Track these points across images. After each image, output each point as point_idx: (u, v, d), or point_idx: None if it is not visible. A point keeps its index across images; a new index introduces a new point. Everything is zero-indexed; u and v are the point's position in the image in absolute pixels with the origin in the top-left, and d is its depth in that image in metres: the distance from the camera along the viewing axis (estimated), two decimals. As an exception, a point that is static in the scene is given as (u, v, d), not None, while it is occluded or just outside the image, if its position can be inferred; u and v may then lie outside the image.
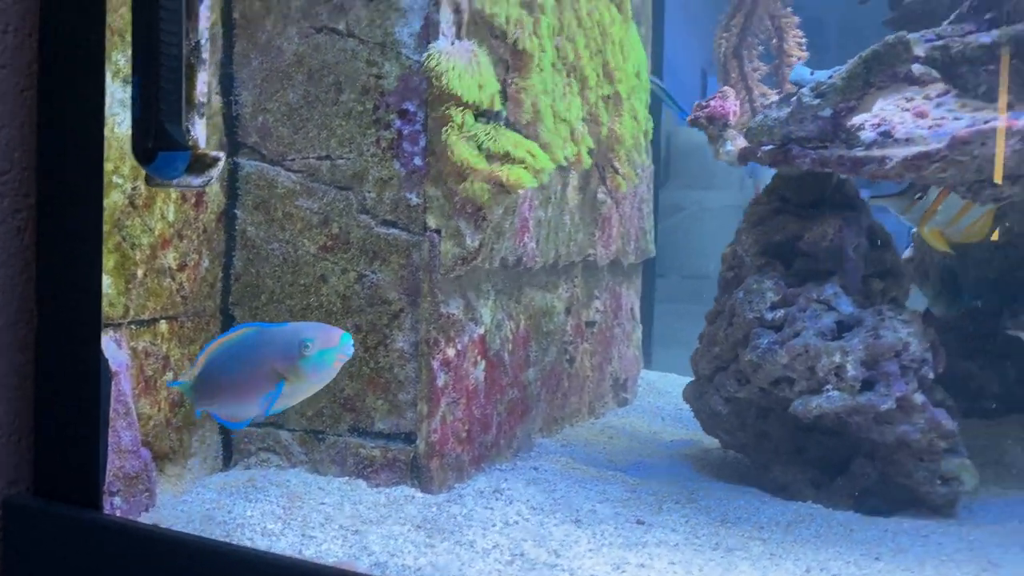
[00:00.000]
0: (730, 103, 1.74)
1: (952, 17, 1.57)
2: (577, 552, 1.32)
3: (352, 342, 1.19)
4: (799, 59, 1.90)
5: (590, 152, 2.09)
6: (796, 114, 1.56)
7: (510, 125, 1.76)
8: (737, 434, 1.82)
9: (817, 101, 1.52)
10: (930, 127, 1.56)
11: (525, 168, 1.57)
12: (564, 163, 1.87)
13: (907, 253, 2.51)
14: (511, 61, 1.74)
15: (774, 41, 1.86)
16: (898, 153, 1.45)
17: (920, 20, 1.79)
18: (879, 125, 1.66)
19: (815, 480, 1.71)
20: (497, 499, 1.50)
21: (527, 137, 1.80)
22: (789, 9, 1.86)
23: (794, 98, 1.57)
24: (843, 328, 1.62)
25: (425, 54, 1.54)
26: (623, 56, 2.19)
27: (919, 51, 1.44)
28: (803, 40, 1.87)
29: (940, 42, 1.51)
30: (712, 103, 1.75)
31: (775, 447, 1.78)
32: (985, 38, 1.47)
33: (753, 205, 1.89)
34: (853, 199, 1.80)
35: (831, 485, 1.69)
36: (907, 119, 1.67)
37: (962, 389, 2.36)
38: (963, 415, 2.35)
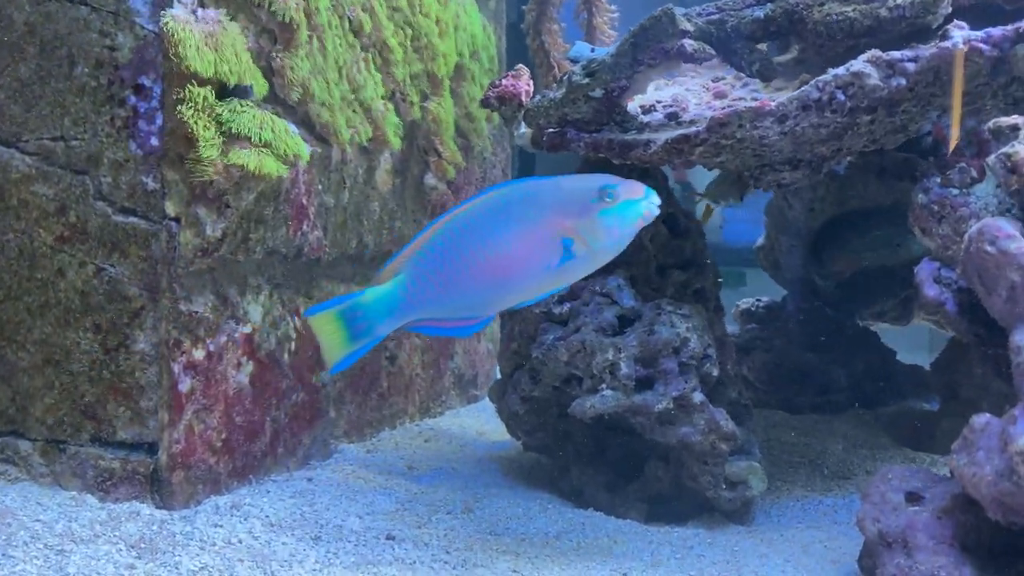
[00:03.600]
0: (522, 83, 1.68)
1: (734, -12, 1.54)
2: (298, 572, 1.26)
3: (657, 198, 0.96)
4: (612, 37, 1.86)
5: (402, 134, 2.03)
6: (569, 95, 1.51)
7: (279, 103, 1.69)
8: (537, 434, 1.78)
9: (587, 80, 1.47)
10: (720, 108, 1.52)
11: (270, 152, 1.50)
12: (348, 145, 1.80)
13: (759, 241, 2.50)
14: (278, 33, 1.66)
15: (584, 16, 1.81)
16: (662, 137, 1.41)
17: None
18: (671, 106, 1.63)
19: (610, 484, 1.68)
20: (233, 515, 1.44)
21: (301, 116, 1.73)
22: (602, -14, 1.81)
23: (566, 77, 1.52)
24: (625, 323, 1.59)
25: (159, 23, 1.46)
26: (440, 31, 2.12)
27: (687, 26, 1.39)
28: (616, 15, 1.82)
29: (717, 16, 1.47)
30: (504, 82, 1.69)
31: (576, 448, 1.75)
32: (759, 12, 1.43)
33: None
34: (656, 185, 1.76)
35: (625, 489, 1.66)
36: (704, 99, 1.64)
37: (810, 382, 2.36)
38: (811, 409, 2.36)
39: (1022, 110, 1.30)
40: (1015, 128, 1.12)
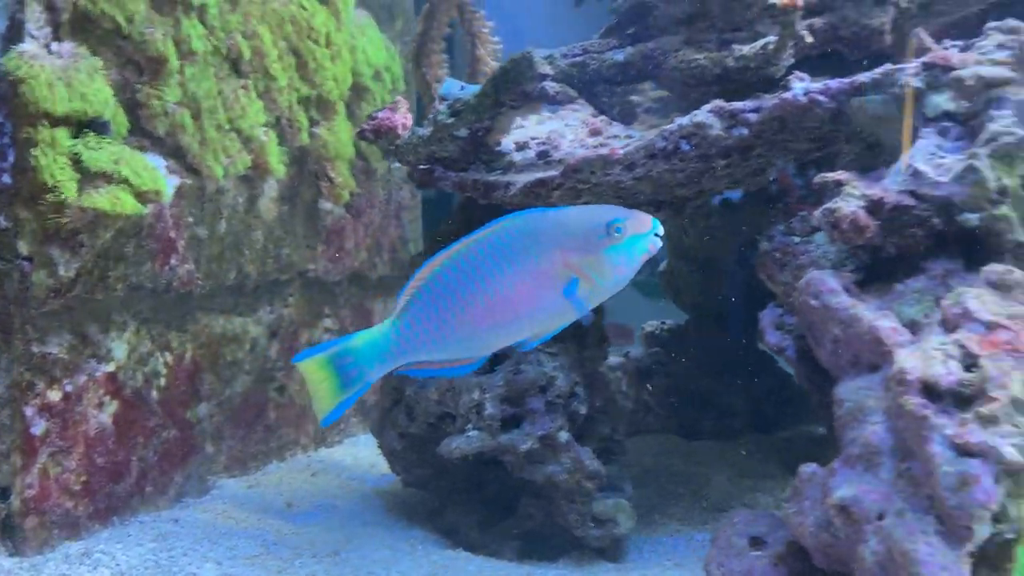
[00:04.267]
0: (399, 116, 1.68)
1: (602, 30, 1.56)
2: (138, 627, 1.25)
3: (662, 229, 0.92)
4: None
5: (288, 160, 2.02)
6: (436, 133, 1.52)
7: (146, 135, 1.67)
8: (415, 471, 1.79)
9: (451, 120, 1.49)
10: (594, 147, 1.55)
11: (128, 188, 1.48)
12: (222, 176, 1.79)
13: (662, 266, 2.53)
14: (144, 64, 1.65)
15: (469, 47, 1.82)
16: (521, 180, 1.43)
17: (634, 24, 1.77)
18: (544, 143, 1.65)
19: (484, 522, 1.70)
20: (82, 563, 1.42)
21: (171, 148, 1.72)
22: (482, 13, 1.82)
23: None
24: (496, 361, 1.60)
25: (4, 59, 1.43)
26: (332, 54, 2.12)
27: (546, 69, 1.42)
28: (500, 47, 1.84)
29: (581, 58, 1.49)
30: (380, 115, 1.69)
31: (453, 485, 1.75)
32: (619, 55, 1.46)
33: (446, 225, 1.86)
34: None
35: (498, 527, 1.68)
36: (579, 136, 1.66)
37: (709, 407, 2.40)
38: (709, 434, 2.41)
39: (877, 153, 1.35)
40: (839, 183, 1.16)
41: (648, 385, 2.47)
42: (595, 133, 1.67)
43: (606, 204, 1.53)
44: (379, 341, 0.92)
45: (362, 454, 2.27)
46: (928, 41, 1.33)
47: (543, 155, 1.59)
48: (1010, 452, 0.94)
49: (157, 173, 1.56)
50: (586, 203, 1.53)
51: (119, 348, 1.66)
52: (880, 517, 1.04)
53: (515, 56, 1.43)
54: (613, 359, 2.63)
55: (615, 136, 1.65)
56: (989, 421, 0.96)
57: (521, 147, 1.65)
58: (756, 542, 1.30)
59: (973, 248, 1.15)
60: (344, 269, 2.38)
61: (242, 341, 2.00)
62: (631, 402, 2.58)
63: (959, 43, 1.30)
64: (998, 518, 1.04)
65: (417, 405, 1.63)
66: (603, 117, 1.68)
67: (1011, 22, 1.27)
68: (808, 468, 1.16)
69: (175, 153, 1.72)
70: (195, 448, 1.86)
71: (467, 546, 1.68)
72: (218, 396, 1.93)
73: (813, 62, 1.39)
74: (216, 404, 1.92)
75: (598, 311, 1.87)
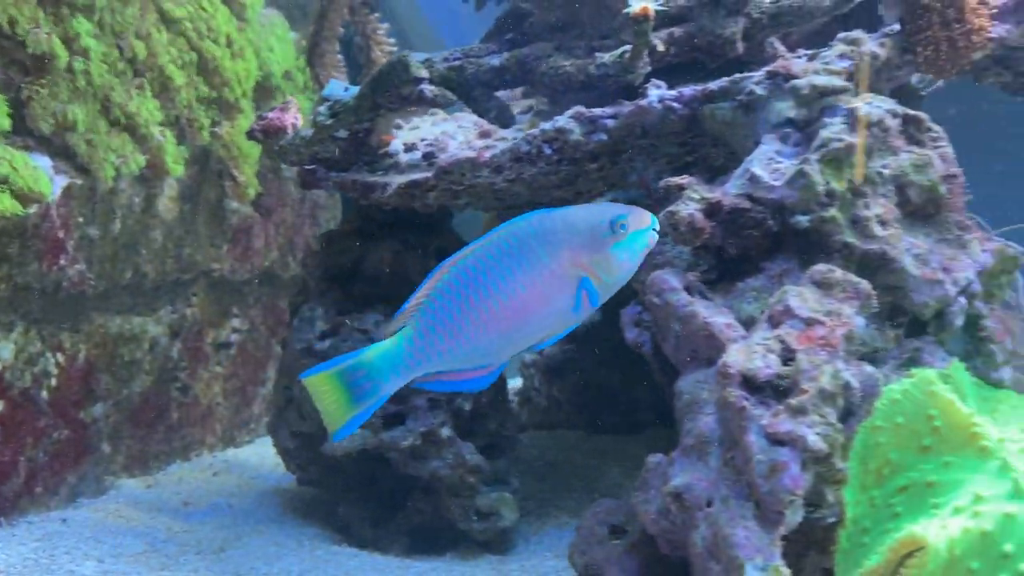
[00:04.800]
0: (289, 116, 1.72)
1: (484, 35, 1.62)
2: (8, 625, 1.27)
3: (658, 224, 0.93)
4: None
5: (186, 159, 2.04)
6: (317, 134, 1.56)
7: (31, 135, 1.69)
8: (309, 469, 1.82)
9: (331, 122, 1.53)
10: (480, 149, 1.60)
11: (7, 188, 1.50)
12: (112, 176, 1.81)
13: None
14: (29, 63, 1.66)
15: (364, 49, 1.86)
16: (397, 180, 1.48)
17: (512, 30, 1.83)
18: (432, 145, 1.69)
19: (375, 518, 1.74)
20: (-45, 565, 1.43)
21: (58, 147, 1.73)
22: (377, 15, 1.87)
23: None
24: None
25: None
26: (234, 54, 2.15)
27: (422, 73, 1.47)
28: (395, 49, 1.88)
29: (458, 62, 1.55)
30: (270, 115, 1.72)
31: (346, 483, 1.80)
32: (495, 60, 1.52)
33: (342, 225, 1.90)
34: (432, 220, 1.83)
35: (390, 523, 1.73)
36: (469, 138, 1.71)
37: (615, 402, 2.48)
38: (615, 429, 2.48)
39: (740, 157, 1.42)
40: (681, 187, 1.23)
41: (558, 382, 2.54)
42: (484, 135, 1.73)
43: (481, 203, 1.59)
44: (392, 353, 0.91)
45: (269, 454, 2.29)
46: (781, 50, 1.41)
47: (428, 156, 1.64)
48: (814, 440, 1.02)
49: (40, 173, 1.58)
50: (466, 204, 1.59)
51: (5, 348, 1.67)
52: (709, 504, 1.11)
53: (391, 59, 1.48)
54: (527, 356, 2.70)
55: (503, 139, 1.70)
56: (798, 412, 1.03)
57: (410, 148, 1.69)
58: (616, 531, 1.36)
59: (808, 248, 1.22)
60: (253, 268, 2.41)
61: (141, 341, 2.02)
62: (544, 399, 2.65)
63: (808, 52, 1.38)
64: (817, 503, 1.12)
65: (307, 404, 1.67)
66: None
67: (854, 34, 1.36)
68: (654, 458, 1.23)
69: (63, 153, 1.74)
70: (90, 448, 1.87)
71: (359, 542, 1.72)
72: (115, 396, 1.95)
73: (676, 69, 1.46)
74: (113, 404, 1.94)
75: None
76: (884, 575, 1.02)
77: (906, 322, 1.21)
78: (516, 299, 0.91)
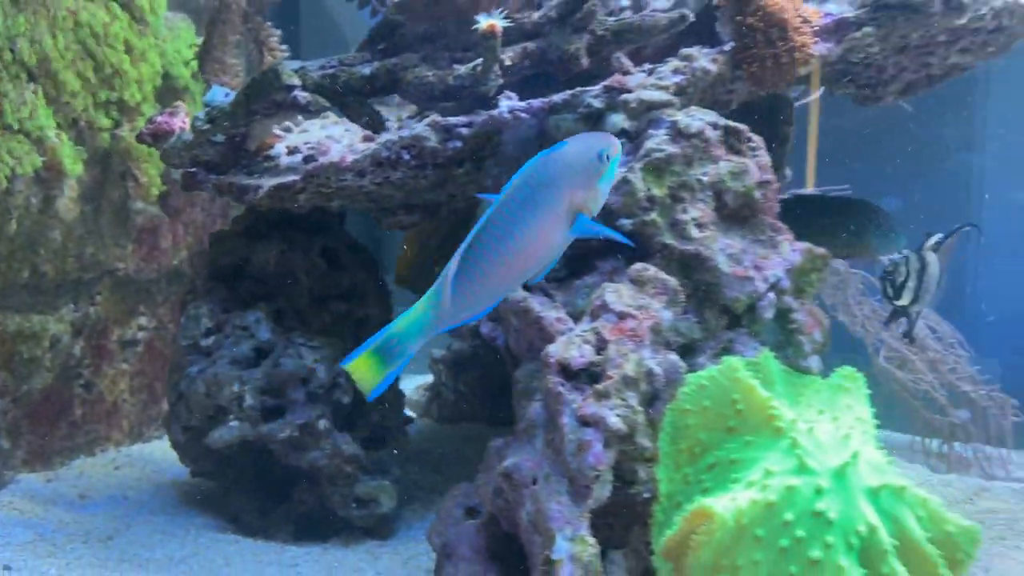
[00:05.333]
0: (178, 120, 1.80)
1: (359, 44, 1.71)
2: None
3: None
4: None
5: (85, 159, 2.11)
6: (196, 139, 1.64)
7: (-81, 139, 1.74)
8: (201, 462, 1.90)
9: (208, 127, 1.61)
10: (360, 151, 1.69)
11: None
12: (6, 176, 1.87)
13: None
14: (-85, 68, 1.72)
15: (256, 56, 1.95)
16: (269, 183, 1.57)
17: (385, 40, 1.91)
18: (315, 148, 1.78)
19: (263, 508, 1.83)
20: None
21: (-54, 151, 1.79)
22: (269, 23, 1.95)
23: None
24: (262, 355, 1.74)
25: None
26: (134, 59, 2.21)
27: (294, 81, 1.56)
28: (287, 55, 1.97)
29: (332, 71, 1.64)
30: (159, 119, 1.80)
31: (237, 474, 1.88)
32: (366, 69, 1.62)
33: (232, 225, 1.98)
34: (321, 220, 1.92)
35: (277, 512, 1.81)
36: (354, 141, 1.80)
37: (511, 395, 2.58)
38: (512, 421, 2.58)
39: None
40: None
41: (463, 376, 2.64)
42: (368, 139, 1.83)
43: (357, 205, 1.68)
44: (420, 320, 1.00)
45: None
46: (627, 64, 1.53)
47: (309, 159, 1.73)
48: (614, 421, 1.14)
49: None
50: (340, 205, 1.68)
51: None
52: (534, 482, 1.22)
53: (265, 68, 1.56)
54: (436, 352, 2.81)
55: (388, 141, 1.80)
56: (602, 396, 1.15)
57: (292, 151, 1.78)
58: (471, 512, 1.47)
59: (636, 248, 1.34)
60: (160, 267, 2.47)
61: (40, 339, 2.08)
62: (451, 393, 2.76)
63: (648, 67, 1.50)
64: (632, 480, 1.24)
65: (189, 399, 1.75)
66: (390, 120, 1.82)
67: (689, 50, 1.48)
68: (495, 442, 1.34)
69: (-47, 156, 1.80)
70: (-16, 444, 1.93)
71: (248, 531, 1.81)
72: (13, 393, 2.00)
73: (532, 81, 1.57)
74: (11, 401, 2.00)
75: (387, 304, 2.03)
76: (681, 543, 1.14)
77: (720, 314, 1.33)
78: (531, 245, 0.99)
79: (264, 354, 1.74)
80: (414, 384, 3.12)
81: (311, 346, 1.71)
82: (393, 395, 1.95)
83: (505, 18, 1.42)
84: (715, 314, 1.33)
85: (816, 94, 1.65)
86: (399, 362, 1.03)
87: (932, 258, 1.61)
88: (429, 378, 2.86)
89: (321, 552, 1.68)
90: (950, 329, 2.47)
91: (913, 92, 1.82)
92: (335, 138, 1.79)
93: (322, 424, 1.68)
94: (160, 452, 2.35)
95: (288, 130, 1.82)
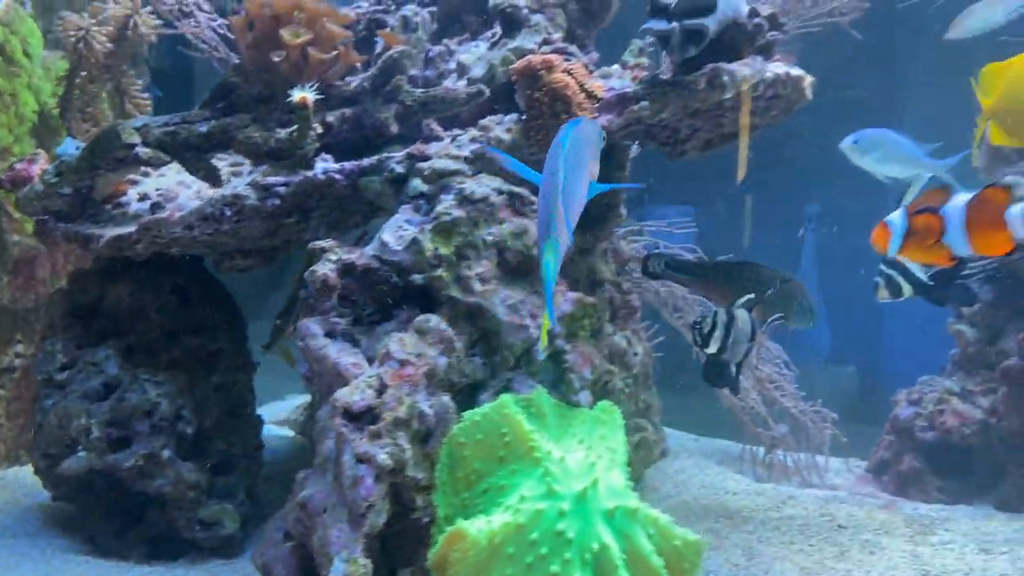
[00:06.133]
0: (37, 167, 1.91)
1: (201, 103, 1.85)
2: None
3: None
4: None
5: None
6: (46, 190, 1.76)
7: None
8: (61, 487, 2.01)
9: (56, 180, 1.74)
10: (208, 198, 1.83)
11: None
12: None
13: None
14: None
15: (118, 103, 2.06)
16: (108, 233, 1.70)
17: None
18: (162, 195, 1.91)
19: (118, 530, 1.95)
20: None
21: None
22: (132, 72, 2.07)
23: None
24: (110, 390, 1.86)
25: None
26: (1, 102, 2.30)
27: (134, 139, 1.69)
28: (148, 102, 2.09)
29: (172, 128, 1.78)
30: (18, 166, 1.91)
31: (95, 499, 2.00)
32: (203, 127, 1.76)
33: (92, 263, 2.09)
34: (175, 259, 2.04)
35: (129, 534, 1.94)
36: (198, 191, 1.94)
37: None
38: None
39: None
40: (323, 250, 1.51)
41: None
42: (215, 185, 1.96)
43: (194, 250, 1.82)
44: (556, 251, 1.20)
45: (47, 471, 2.46)
46: (437, 130, 1.71)
47: (156, 206, 1.86)
48: (383, 458, 1.31)
49: None
50: (180, 250, 1.82)
51: None
52: (325, 511, 1.38)
53: (106, 127, 1.70)
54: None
55: (234, 187, 1.94)
56: (375, 436, 1.32)
57: (143, 198, 1.91)
58: (288, 535, 1.62)
59: (425, 300, 1.52)
60: (37, 297, 2.56)
61: (-94, 371, 2.16)
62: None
63: (454, 133, 1.68)
64: (412, 507, 1.41)
65: (44, 431, 1.87)
66: (243, 166, 1.95)
67: (485, 121, 1.66)
68: (300, 473, 1.50)
69: None
70: None
71: (103, 552, 1.93)
72: None
73: (351, 143, 1.74)
74: None
75: (241, 336, 2.16)
76: (442, 561, 1.32)
77: (503, 357, 1.52)
78: (582, 193, 1.24)
79: (112, 389, 1.86)
80: (294, 404, 3.26)
81: (156, 381, 1.85)
82: (244, 425, 2.09)
83: (317, 92, 1.58)
84: (498, 356, 1.51)
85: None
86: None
87: (741, 313, 1.81)
88: (308, 398, 3.00)
89: (166, 571, 1.81)
90: (777, 350, 2.71)
91: (713, 147, 2.03)
92: (187, 184, 1.93)
93: (165, 454, 1.82)
94: (32, 476, 2.44)
95: (147, 174, 1.95)
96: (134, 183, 1.95)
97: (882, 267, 1.93)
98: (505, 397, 1.43)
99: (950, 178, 2.02)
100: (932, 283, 1.87)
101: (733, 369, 1.83)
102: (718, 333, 1.77)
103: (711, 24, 1.62)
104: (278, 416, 3.15)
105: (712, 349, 1.77)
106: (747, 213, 3.23)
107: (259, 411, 3.23)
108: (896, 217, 1.47)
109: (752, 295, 1.86)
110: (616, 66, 2.14)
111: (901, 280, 1.89)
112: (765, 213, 3.31)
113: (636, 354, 2.67)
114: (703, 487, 2.52)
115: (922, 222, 1.44)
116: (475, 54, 1.91)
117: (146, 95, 2.12)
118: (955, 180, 2.00)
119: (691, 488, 2.50)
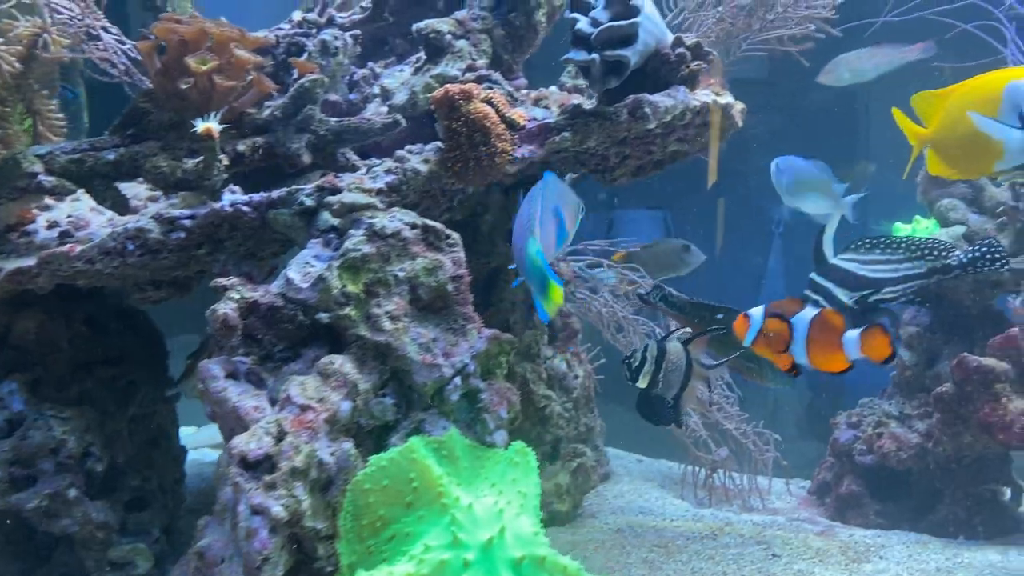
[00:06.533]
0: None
1: (110, 128, 1.78)
2: None
3: None
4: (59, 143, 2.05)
5: None
6: (-57, 217, 1.68)
7: None
8: (-31, 527, 1.93)
9: (-47, 207, 1.66)
10: (121, 226, 1.75)
11: None
12: None
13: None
14: None
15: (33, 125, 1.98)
16: (8, 266, 1.63)
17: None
18: (72, 223, 1.83)
19: (26, 570, 1.87)
20: None
21: None
22: (46, 92, 1.99)
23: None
24: (14, 426, 1.78)
25: None
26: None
27: (36, 168, 1.62)
28: (63, 124, 2.01)
29: (79, 155, 1.71)
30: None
31: (4, 537, 1.91)
32: (111, 155, 1.69)
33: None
34: (84, 290, 1.97)
35: (38, 574, 1.86)
36: (110, 219, 1.86)
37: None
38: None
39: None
40: (225, 288, 1.45)
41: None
42: (132, 212, 1.89)
43: (103, 282, 1.75)
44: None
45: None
46: (353, 159, 1.65)
47: (65, 234, 1.78)
48: (278, 510, 1.25)
49: None
50: (86, 283, 1.74)
51: None
52: (223, 561, 1.32)
53: (6, 156, 1.62)
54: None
55: (156, 213, 1.87)
56: (271, 486, 1.27)
57: (52, 226, 1.83)
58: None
59: (333, 339, 1.46)
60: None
61: None
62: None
63: (370, 163, 1.63)
64: (314, 556, 1.36)
65: (-49, 466, 1.78)
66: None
67: (401, 151, 1.61)
68: (202, 520, 1.44)
69: None
70: None
71: (11, 593, 1.85)
72: None
73: (264, 172, 1.68)
74: None
75: (160, 366, 2.09)
76: (343, 614, 1.26)
77: (416, 397, 1.47)
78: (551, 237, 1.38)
79: (16, 425, 1.78)
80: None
81: (62, 417, 1.77)
82: (164, 457, 2.02)
83: (228, 121, 1.52)
84: (409, 397, 1.46)
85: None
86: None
87: (674, 346, 1.77)
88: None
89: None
90: (719, 372, 2.69)
91: (644, 174, 2.00)
92: (100, 210, 1.86)
93: (72, 493, 1.74)
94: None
95: (61, 199, 1.87)
96: (46, 208, 1.87)
97: (807, 292, 1.92)
98: (414, 440, 1.38)
99: (850, 216, 2.03)
100: (855, 307, 1.87)
101: (671, 402, 1.79)
102: (647, 367, 1.73)
103: (631, 55, 1.59)
104: (215, 439, 3.07)
105: (642, 384, 1.73)
106: (719, 216, 3.22)
107: (197, 434, 3.16)
108: (756, 313, 1.58)
109: (690, 331, 1.84)
110: (554, 87, 2.10)
111: (825, 304, 1.88)
112: (735, 216, 3.30)
113: (576, 377, 2.64)
114: (641, 513, 2.49)
115: (773, 327, 1.55)
116: (399, 79, 1.86)
117: (61, 115, 2.04)
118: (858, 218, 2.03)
119: (629, 514, 2.47)
